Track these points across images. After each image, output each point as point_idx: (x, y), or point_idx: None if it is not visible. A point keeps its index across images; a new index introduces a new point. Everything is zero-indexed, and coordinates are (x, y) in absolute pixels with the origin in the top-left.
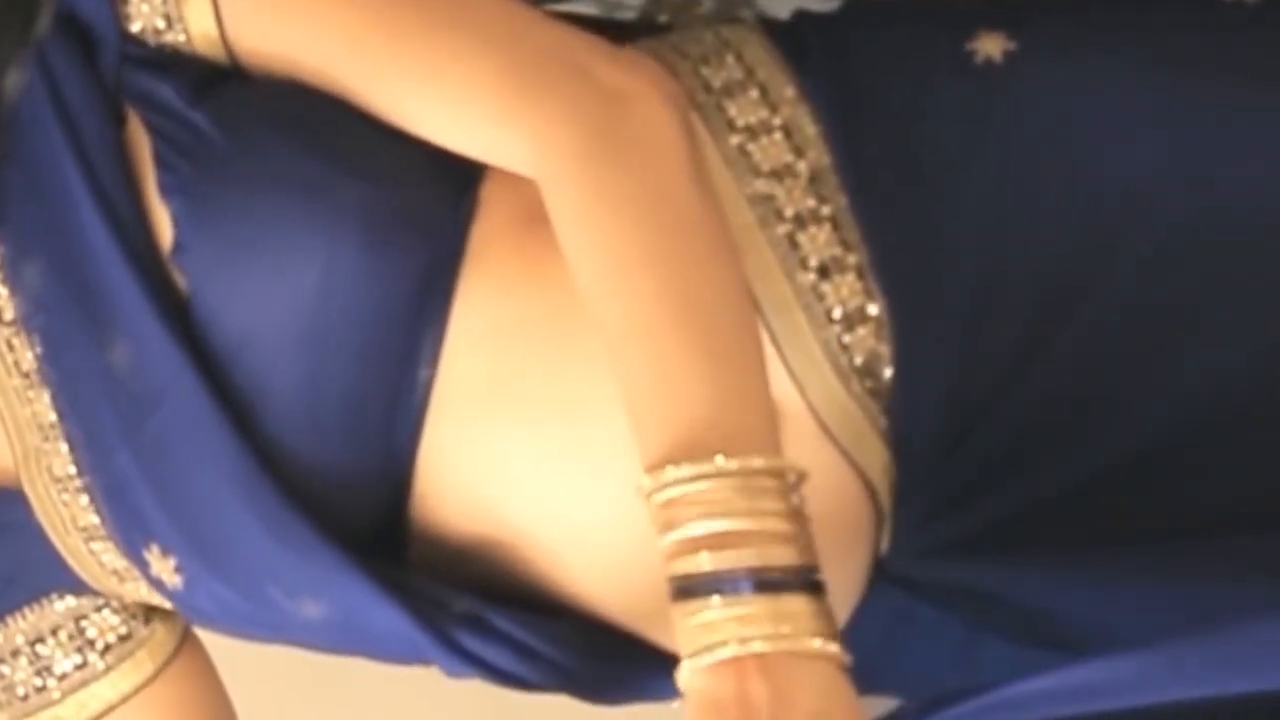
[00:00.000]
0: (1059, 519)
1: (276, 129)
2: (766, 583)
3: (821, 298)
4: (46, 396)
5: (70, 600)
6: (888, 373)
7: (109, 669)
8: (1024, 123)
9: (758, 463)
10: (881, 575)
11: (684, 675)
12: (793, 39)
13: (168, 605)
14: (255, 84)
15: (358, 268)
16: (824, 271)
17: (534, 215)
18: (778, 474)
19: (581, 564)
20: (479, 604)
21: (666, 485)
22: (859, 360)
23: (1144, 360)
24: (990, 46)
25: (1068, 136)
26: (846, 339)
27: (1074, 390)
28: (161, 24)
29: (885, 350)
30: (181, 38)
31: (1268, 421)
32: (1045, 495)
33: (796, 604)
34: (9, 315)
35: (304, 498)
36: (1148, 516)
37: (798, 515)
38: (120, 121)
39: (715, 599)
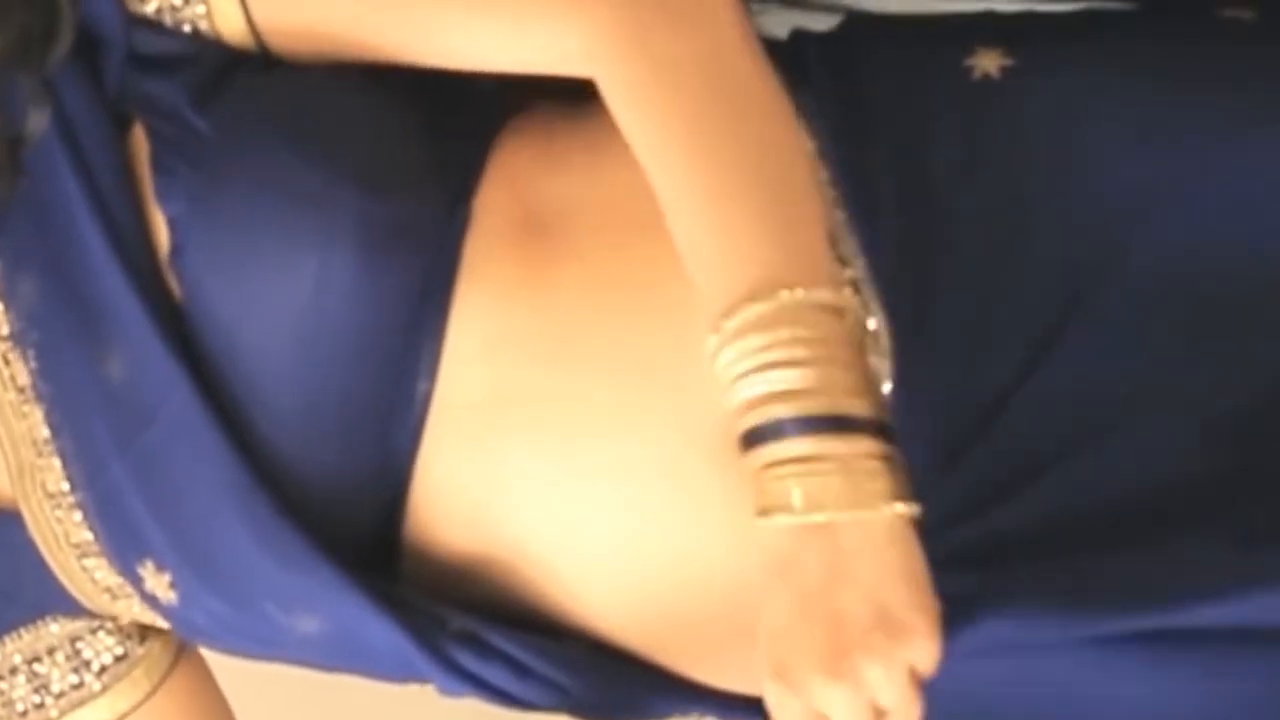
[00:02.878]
0: (1062, 535)
1: (276, 133)
2: (836, 425)
3: None
4: (40, 412)
5: (66, 624)
6: (886, 387)
7: (105, 689)
8: (1021, 138)
9: (824, 296)
10: None
11: (757, 533)
12: (791, 56)
13: (161, 623)
14: (257, 85)
15: (351, 277)
16: None
17: (533, 222)
18: (842, 312)
19: (580, 581)
20: (476, 621)
21: (731, 337)
22: None
23: (1145, 375)
24: (988, 63)
25: (1065, 151)
26: None
27: (1074, 405)
28: (179, 0)
29: (883, 365)
30: (200, 10)
31: (1271, 438)
32: (1048, 510)
33: (867, 457)
34: (4, 330)
35: (299, 511)
36: (1150, 536)
37: (863, 359)
38: (124, 127)
39: (781, 447)
